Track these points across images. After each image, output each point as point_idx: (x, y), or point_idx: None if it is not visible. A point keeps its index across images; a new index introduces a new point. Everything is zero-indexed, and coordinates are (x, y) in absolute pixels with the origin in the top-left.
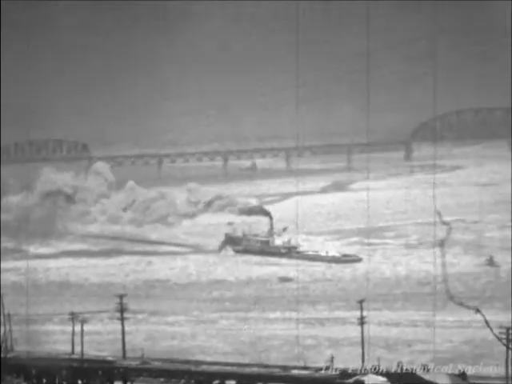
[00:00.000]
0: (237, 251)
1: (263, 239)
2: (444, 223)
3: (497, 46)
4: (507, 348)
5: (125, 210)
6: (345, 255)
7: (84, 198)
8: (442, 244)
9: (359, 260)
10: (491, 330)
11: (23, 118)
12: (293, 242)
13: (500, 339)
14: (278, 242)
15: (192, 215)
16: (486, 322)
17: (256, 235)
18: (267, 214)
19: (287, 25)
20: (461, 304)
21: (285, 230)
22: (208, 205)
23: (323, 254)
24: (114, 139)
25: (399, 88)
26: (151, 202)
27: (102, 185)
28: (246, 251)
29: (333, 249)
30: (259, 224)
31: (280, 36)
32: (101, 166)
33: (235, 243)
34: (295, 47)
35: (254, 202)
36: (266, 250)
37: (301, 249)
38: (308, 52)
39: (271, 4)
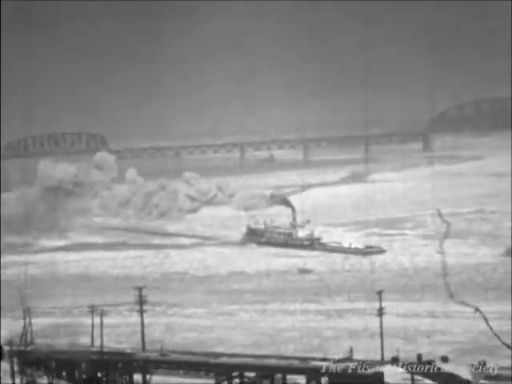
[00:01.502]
0: (259, 243)
1: (286, 231)
2: (444, 221)
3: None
4: (508, 347)
5: (128, 202)
6: (368, 246)
7: (95, 190)
8: (444, 237)
9: (383, 251)
10: (491, 329)
11: (36, 113)
12: (316, 234)
13: (500, 338)
14: (301, 233)
15: (208, 207)
16: (486, 320)
17: (277, 227)
18: (290, 205)
19: (296, 22)
20: (461, 303)
21: (308, 222)
22: (228, 196)
23: (346, 245)
24: (131, 132)
25: (412, 79)
26: (169, 194)
27: (108, 177)
28: (269, 243)
29: (355, 240)
30: (278, 216)
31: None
32: (104, 156)
33: (257, 235)
34: (306, 41)
35: (272, 193)
36: (289, 242)
37: (323, 240)
38: (317, 46)
39: (277, 2)
